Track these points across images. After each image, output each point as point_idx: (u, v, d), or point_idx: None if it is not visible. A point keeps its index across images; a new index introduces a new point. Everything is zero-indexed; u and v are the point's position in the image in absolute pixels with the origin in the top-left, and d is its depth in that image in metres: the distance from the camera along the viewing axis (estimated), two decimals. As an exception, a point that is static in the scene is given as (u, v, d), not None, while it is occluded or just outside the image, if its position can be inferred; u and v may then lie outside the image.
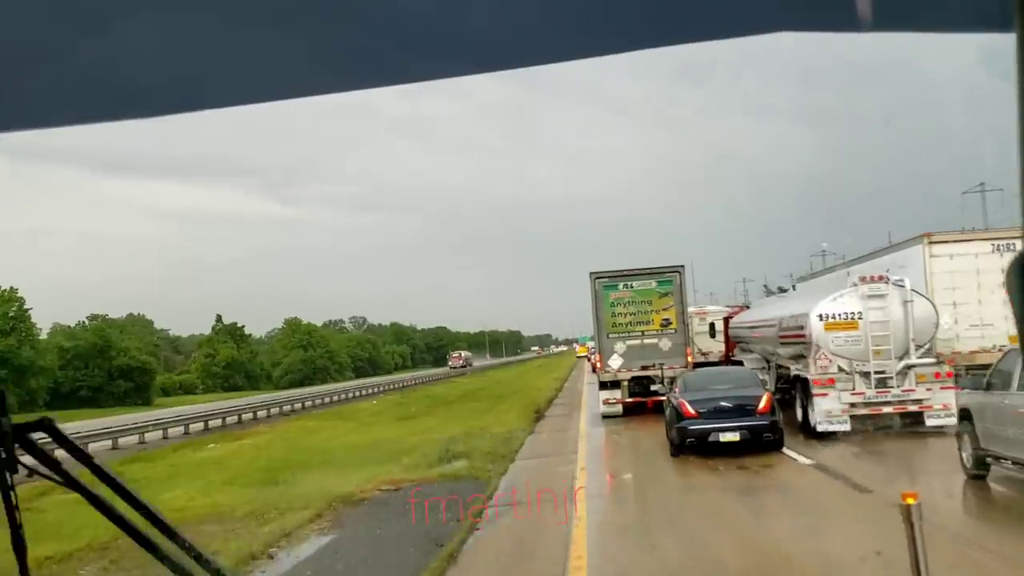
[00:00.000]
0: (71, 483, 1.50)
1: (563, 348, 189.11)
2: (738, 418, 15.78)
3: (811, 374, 17.67)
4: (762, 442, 15.81)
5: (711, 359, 29.30)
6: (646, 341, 24.57)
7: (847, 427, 17.24)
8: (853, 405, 17.32)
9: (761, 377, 20.17)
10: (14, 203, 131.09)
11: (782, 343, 20.54)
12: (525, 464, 17.43)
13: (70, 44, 1.26)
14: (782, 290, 64.70)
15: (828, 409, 17.29)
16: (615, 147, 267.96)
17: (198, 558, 1.59)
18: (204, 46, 1.29)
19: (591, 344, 59.73)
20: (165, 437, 30.55)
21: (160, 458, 23.37)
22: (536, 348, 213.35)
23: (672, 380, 23.61)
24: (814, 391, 17.45)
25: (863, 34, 1.21)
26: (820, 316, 17.68)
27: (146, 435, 29.87)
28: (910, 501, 3.93)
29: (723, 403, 16.08)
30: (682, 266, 26.00)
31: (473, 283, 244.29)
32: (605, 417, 24.31)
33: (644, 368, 24.26)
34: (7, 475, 1.45)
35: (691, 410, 16.03)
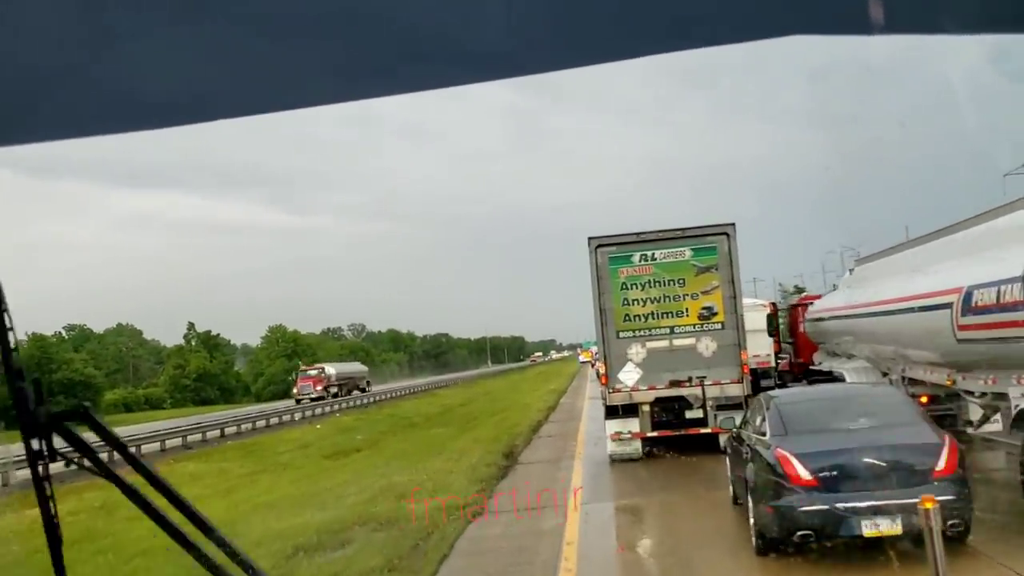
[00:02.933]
0: (108, 474, 1.48)
1: (565, 354, 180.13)
2: (896, 487, 8.13)
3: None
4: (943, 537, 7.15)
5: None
6: (677, 342, 15.93)
7: None
8: None
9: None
10: (17, 215, 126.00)
11: (972, 339, 10.30)
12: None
13: (81, 58, 1.26)
14: (799, 289, 56.06)
15: None
16: (623, 151, 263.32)
17: (233, 556, 1.54)
18: (216, 57, 1.28)
19: (595, 349, 49.90)
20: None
21: None
22: (539, 354, 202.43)
23: (735, 406, 14.83)
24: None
25: (872, 36, 1.21)
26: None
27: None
28: (928, 505, 4.13)
29: (866, 458, 8.36)
30: (732, 225, 16.24)
31: (476, 289, 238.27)
32: (616, 461, 15.98)
33: (675, 384, 15.65)
34: (44, 465, 1.44)
35: (804, 472, 8.38)
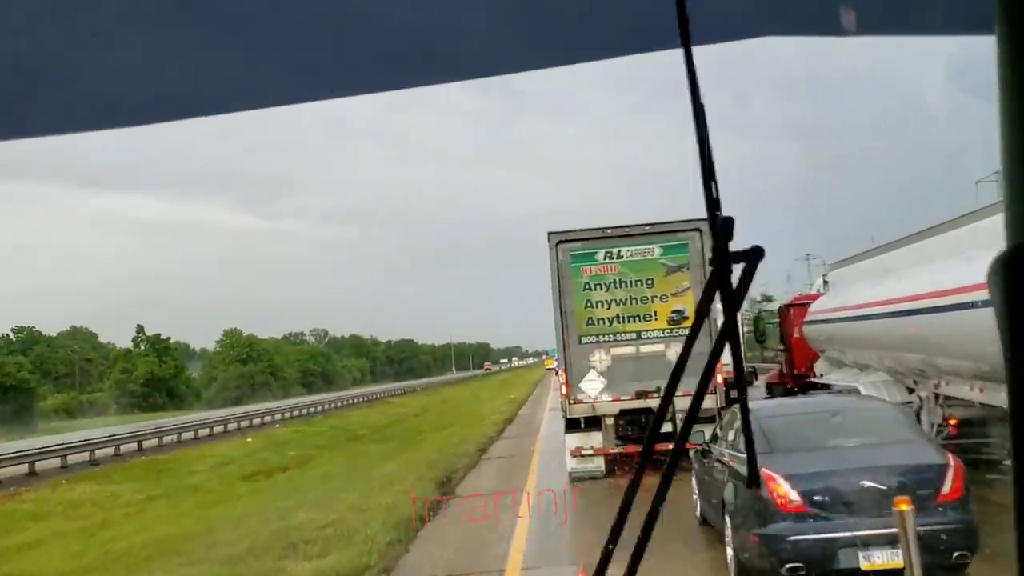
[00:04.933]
0: None
1: (529, 361, 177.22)
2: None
3: None
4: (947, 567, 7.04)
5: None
6: (645, 349, 14.70)
7: None
8: None
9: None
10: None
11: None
12: None
13: (53, 57, 1.24)
14: (767, 297, 54.43)
15: None
16: (593, 159, 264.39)
17: None
18: (189, 56, 1.26)
19: (558, 358, 46.74)
20: None
21: None
22: (504, 360, 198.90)
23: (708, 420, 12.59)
24: None
25: (844, 39, 1.21)
26: None
27: None
28: (903, 507, 3.96)
29: (862, 481, 7.44)
30: (704, 220, 13.23)
31: (443, 295, 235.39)
32: (576, 480, 14.60)
33: (642, 395, 14.33)
34: None
35: (795, 496, 7.36)
